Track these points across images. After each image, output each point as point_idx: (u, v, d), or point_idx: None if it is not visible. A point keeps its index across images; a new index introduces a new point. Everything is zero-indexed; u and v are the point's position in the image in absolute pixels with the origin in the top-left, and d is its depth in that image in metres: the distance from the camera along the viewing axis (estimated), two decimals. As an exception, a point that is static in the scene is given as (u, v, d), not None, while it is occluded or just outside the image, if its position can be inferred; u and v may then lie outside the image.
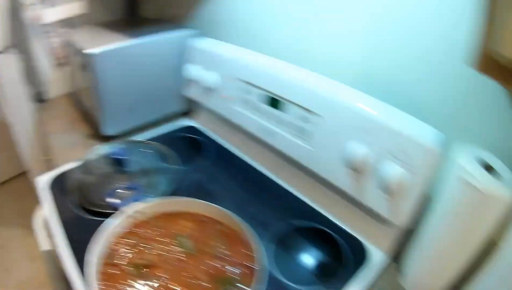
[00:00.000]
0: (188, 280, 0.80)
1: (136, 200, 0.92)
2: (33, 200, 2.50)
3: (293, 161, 1.08)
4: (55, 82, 1.76)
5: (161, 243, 0.87)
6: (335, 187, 0.98)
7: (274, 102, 1.05)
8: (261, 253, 0.80)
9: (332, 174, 0.95)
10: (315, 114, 0.96)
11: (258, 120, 1.11)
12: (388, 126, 0.78)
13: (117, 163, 1.17)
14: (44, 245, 1.01)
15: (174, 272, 0.81)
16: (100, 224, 0.97)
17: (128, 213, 0.89)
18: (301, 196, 1.10)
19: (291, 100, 1.02)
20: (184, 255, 0.85)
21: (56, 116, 1.54)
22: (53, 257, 0.96)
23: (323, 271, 0.90)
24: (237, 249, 0.86)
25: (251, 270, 0.82)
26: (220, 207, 0.90)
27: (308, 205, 1.08)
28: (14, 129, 1.79)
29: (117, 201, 0.92)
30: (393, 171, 0.77)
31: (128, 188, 0.96)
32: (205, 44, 1.31)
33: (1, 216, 2.53)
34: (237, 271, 0.82)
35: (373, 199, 0.87)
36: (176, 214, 0.95)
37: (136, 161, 1.20)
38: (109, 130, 1.33)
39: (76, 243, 0.92)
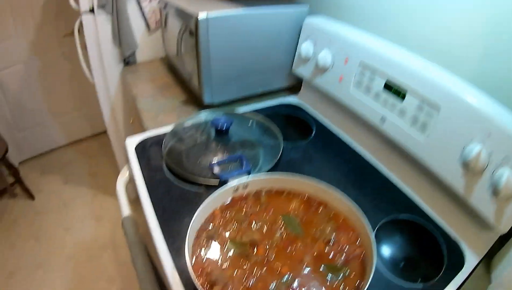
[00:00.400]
0: (294, 262, 0.75)
1: (241, 173, 0.87)
2: (104, 162, 2.59)
3: (402, 151, 1.02)
4: (146, 46, 1.76)
5: (265, 220, 0.83)
6: (441, 184, 0.92)
7: (392, 88, 1.02)
8: (373, 243, 0.73)
9: (443, 170, 0.89)
10: (434, 106, 0.90)
11: (372, 105, 1.06)
12: (510, 132, 0.73)
13: (217, 132, 1.13)
14: (125, 210, 0.99)
15: (279, 253, 0.77)
16: (192, 193, 0.97)
17: (232, 185, 0.85)
18: (405, 188, 1.04)
19: (411, 88, 0.95)
20: (290, 236, 0.80)
21: (145, 80, 1.54)
22: (134, 223, 0.94)
23: (421, 269, 0.85)
24: (346, 235, 0.81)
25: (360, 259, 0.76)
26: (335, 189, 0.84)
27: (411, 199, 1.01)
28: (97, 88, 1.81)
29: (221, 171, 0.88)
30: (507, 176, 0.73)
31: (230, 159, 0.92)
32: (322, 22, 1.26)
33: (70, 174, 2.59)
34: (346, 258, 0.77)
35: (481, 201, 0.81)
36: (280, 191, 0.90)
37: (237, 132, 1.16)
38: (209, 99, 1.30)
39: (162, 211, 0.91)
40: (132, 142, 1.13)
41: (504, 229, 0.79)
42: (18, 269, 1.94)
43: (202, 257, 0.74)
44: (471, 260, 0.85)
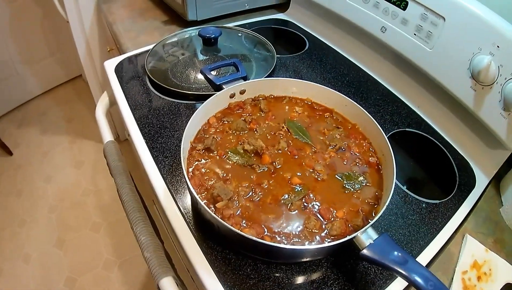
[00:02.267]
0: (304, 171, 0.64)
1: (236, 77, 0.73)
2: (80, 106, 2.41)
3: (405, 63, 0.91)
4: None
5: (268, 128, 0.70)
6: (448, 99, 0.83)
7: None
8: (389, 147, 0.62)
9: (451, 81, 0.79)
10: (438, 15, 0.78)
11: (372, 14, 0.94)
12: None
13: (205, 42, 0.99)
14: (106, 136, 0.86)
15: (287, 161, 0.65)
16: (183, 106, 0.84)
17: (228, 89, 0.71)
18: (409, 102, 0.93)
19: None
20: (297, 143, 0.68)
21: (122, 6, 1.35)
22: (116, 149, 0.81)
23: (433, 185, 0.78)
24: (357, 143, 0.69)
25: (376, 166, 0.65)
26: (342, 94, 0.72)
27: (417, 113, 0.91)
28: (71, 26, 1.63)
29: (215, 76, 0.73)
30: None
31: (224, 65, 0.78)
32: None
33: (47, 124, 2.43)
34: (360, 166, 0.65)
35: (492, 116, 0.72)
36: (280, 98, 0.78)
37: (226, 45, 1.02)
38: (193, 15, 1.15)
39: (149, 127, 0.79)
40: (111, 64, 0.98)
41: None
42: (2, 229, 1.82)
43: (200, 170, 0.62)
44: (482, 179, 0.78)
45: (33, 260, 1.71)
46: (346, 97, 0.72)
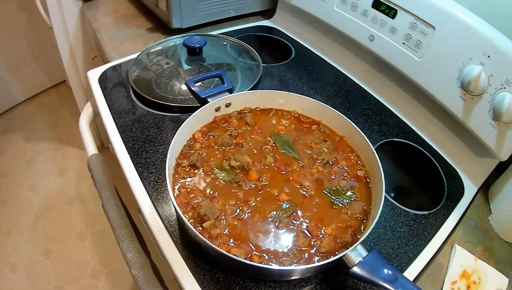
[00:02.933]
0: (292, 187, 0.62)
1: (222, 90, 0.72)
2: (64, 113, 2.35)
3: (393, 72, 0.90)
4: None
5: (254, 142, 0.69)
6: (437, 108, 0.82)
7: (381, 6, 0.86)
8: (378, 161, 0.61)
9: (440, 91, 0.78)
10: (428, 24, 0.77)
11: (360, 23, 0.93)
12: (511, 55, 0.64)
13: (189, 51, 0.97)
14: (90, 149, 0.84)
15: (274, 177, 0.63)
16: (167, 119, 0.82)
17: (214, 103, 0.69)
18: (397, 112, 0.93)
19: (402, 6, 0.81)
20: (283, 158, 0.67)
21: (106, 13, 1.32)
22: (100, 162, 0.79)
23: (422, 195, 0.77)
24: (345, 156, 0.68)
25: (364, 180, 0.64)
26: (329, 107, 0.71)
27: (405, 122, 0.91)
28: (55, 32, 1.59)
29: (200, 89, 0.72)
30: (507, 100, 0.64)
31: (209, 77, 0.76)
32: None
33: (31, 131, 2.37)
34: (348, 180, 0.64)
35: (481, 126, 0.72)
36: (267, 110, 0.76)
37: (211, 54, 1.00)
38: (178, 22, 1.12)
39: (133, 141, 0.77)
40: (94, 74, 0.95)
41: (505, 156, 0.71)
42: (-13, 240, 1.78)
43: (186, 188, 0.60)
44: (470, 188, 0.78)
45: (20, 270, 1.66)
46: (333, 109, 0.71)
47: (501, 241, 0.74)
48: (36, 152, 2.22)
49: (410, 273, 0.62)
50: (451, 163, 0.81)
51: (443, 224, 0.70)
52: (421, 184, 0.79)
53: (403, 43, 0.82)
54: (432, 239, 0.67)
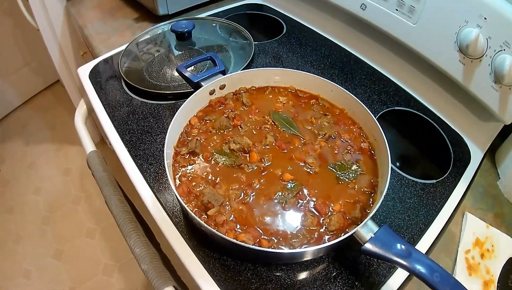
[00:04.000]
0: (295, 165, 0.60)
1: (215, 73, 0.68)
2: (61, 112, 2.32)
3: (388, 40, 0.85)
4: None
5: (252, 122, 0.66)
6: (436, 74, 0.79)
7: None
8: (381, 131, 0.58)
9: (437, 56, 0.74)
10: None
11: None
12: (508, 17, 0.61)
13: (178, 37, 0.93)
14: (88, 147, 0.81)
15: (276, 157, 0.61)
16: (162, 108, 0.79)
17: (207, 86, 0.66)
18: (396, 80, 0.89)
19: None
20: (284, 136, 0.64)
21: (91, 8, 1.28)
22: (100, 158, 0.76)
23: (428, 163, 0.74)
24: (347, 129, 0.65)
25: (368, 152, 0.62)
26: (326, 79, 0.67)
27: (405, 90, 0.87)
28: (42, 34, 1.56)
29: (192, 73, 0.68)
30: (507, 62, 0.61)
31: (200, 60, 0.72)
32: None
33: (30, 134, 2.34)
34: (352, 153, 0.61)
35: (483, 89, 0.68)
36: (262, 88, 0.73)
37: (200, 37, 0.96)
38: (164, 9, 1.08)
39: (130, 134, 0.73)
40: (84, 70, 0.91)
41: (509, 119, 0.67)
42: (-3, 249, 1.77)
43: (187, 177, 0.58)
44: (476, 153, 0.75)
45: (33, 275, 1.65)
46: (330, 81, 0.68)
47: (511, 206, 0.71)
48: (37, 155, 2.19)
49: (423, 244, 0.60)
50: (455, 129, 0.78)
51: (452, 192, 0.67)
52: (427, 152, 0.75)
53: (396, 10, 0.78)
54: (442, 208, 0.65)
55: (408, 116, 0.80)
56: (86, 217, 1.86)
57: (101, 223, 1.82)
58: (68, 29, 1.57)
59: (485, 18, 0.63)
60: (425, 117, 0.80)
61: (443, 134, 0.77)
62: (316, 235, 0.52)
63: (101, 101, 0.82)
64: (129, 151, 0.70)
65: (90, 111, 0.91)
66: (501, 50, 0.62)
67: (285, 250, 0.49)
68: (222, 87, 0.69)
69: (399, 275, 0.55)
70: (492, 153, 0.78)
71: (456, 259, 0.62)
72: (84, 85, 0.87)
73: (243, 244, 0.46)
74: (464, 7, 0.66)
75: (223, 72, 0.70)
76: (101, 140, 1.99)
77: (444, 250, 0.62)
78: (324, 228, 0.52)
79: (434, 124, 0.78)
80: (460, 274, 0.60)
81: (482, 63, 0.66)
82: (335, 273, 0.55)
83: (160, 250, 0.65)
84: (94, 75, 0.89)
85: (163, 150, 0.56)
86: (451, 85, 0.75)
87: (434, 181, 0.68)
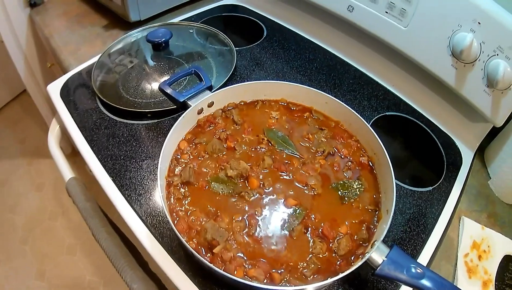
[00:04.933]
0: (297, 189, 0.56)
1: (201, 89, 0.63)
2: (30, 124, 2.18)
3: (377, 43, 0.82)
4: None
5: (246, 143, 0.62)
6: (426, 78, 0.78)
7: None
8: (382, 147, 0.56)
9: (429, 60, 0.72)
10: None
11: None
12: (502, 22, 0.60)
13: (155, 47, 0.86)
14: (66, 173, 0.75)
15: (276, 181, 0.57)
16: (143, 128, 0.73)
17: (195, 105, 0.61)
18: (385, 83, 0.86)
19: None
20: (281, 156, 0.60)
21: (57, 16, 1.18)
22: (80, 186, 0.71)
23: (423, 169, 0.73)
24: (344, 142, 0.63)
25: (368, 167, 0.59)
26: (320, 91, 0.64)
27: (394, 94, 0.85)
28: (7, 45, 1.44)
29: (176, 91, 0.63)
30: (501, 67, 0.60)
31: (183, 75, 0.67)
32: None
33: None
34: (352, 170, 0.59)
35: (476, 93, 0.67)
36: (253, 103, 0.68)
37: (177, 45, 0.90)
38: (136, 15, 1.00)
39: (112, 161, 0.67)
40: (55, 88, 0.83)
41: (500, 122, 0.67)
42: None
43: (184, 211, 0.53)
44: (467, 154, 0.75)
45: (18, 299, 1.55)
46: (324, 93, 0.64)
47: (503, 204, 0.71)
48: (8, 171, 2.05)
49: (426, 254, 0.59)
50: (445, 131, 0.77)
51: (448, 196, 0.66)
52: (419, 156, 0.74)
53: (386, 12, 0.75)
54: (440, 215, 0.64)
55: (399, 121, 0.78)
56: (65, 233, 1.77)
57: (80, 238, 1.74)
58: (33, 40, 1.47)
59: (479, 23, 0.61)
60: (416, 121, 0.78)
61: (434, 136, 0.76)
62: (326, 262, 0.49)
63: (76, 123, 0.74)
64: (114, 180, 0.64)
65: (64, 132, 0.84)
66: (494, 55, 0.61)
67: (298, 287, 0.46)
68: (210, 105, 0.64)
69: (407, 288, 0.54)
70: (481, 153, 0.78)
71: (456, 264, 0.61)
72: (56, 105, 0.80)
73: (258, 285, 0.43)
74: (457, 11, 0.64)
75: (210, 88, 0.65)
76: (73, 151, 1.89)
77: (445, 256, 0.62)
78: (334, 253, 0.50)
79: (425, 127, 0.77)
80: (461, 279, 0.60)
81: (475, 68, 0.65)
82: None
83: (149, 270, 0.61)
84: (65, 93, 0.81)
85: (151, 177, 0.51)
86: (440, 87, 0.74)
87: (430, 188, 0.67)
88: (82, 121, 0.74)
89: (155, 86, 0.78)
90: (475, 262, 0.62)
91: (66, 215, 1.84)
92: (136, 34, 0.93)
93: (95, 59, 0.87)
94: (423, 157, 0.74)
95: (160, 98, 0.76)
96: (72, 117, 0.76)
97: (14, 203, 1.90)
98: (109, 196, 0.62)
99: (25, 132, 2.26)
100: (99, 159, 0.67)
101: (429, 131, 0.76)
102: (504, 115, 0.66)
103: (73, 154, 1.91)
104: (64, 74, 0.87)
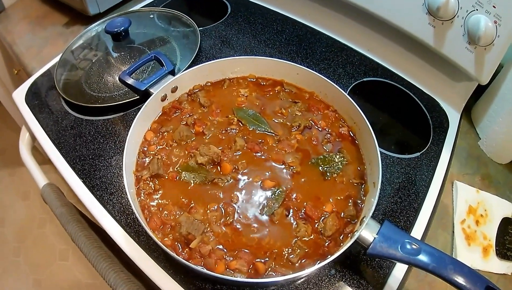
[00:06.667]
0: (274, 169, 0.51)
1: (163, 75, 0.57)
2: (7, 133, 2.08)
3: (346, 8, 0.77)
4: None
5: (216, 125, 0.56)
6: (402, 39, 0.72)
7: None
8: (361, 114, 0.51)
9: (405, 20, 0.67)
10: None
11: None
12: None
13: (115, 38, 0.80)
14: (40, 180, 0.70)
15: (251, 163, 0.51)
16: (109, 123, 0.67)
17: (157, 92, 0.55)
18: (359, 48, 0.80)
19: None
20: (254, 135, 0.55)
21: (18, 21, 1.11)
22: (56, 192, 0.66)
23: (409, 134, 0.68)
24: (321, 113, 0.58)
25: (349, 137, 0.54)
26: (289, 62, 0.58)
27: (371, 59, 0.79)
28: None
29: (137, 81, 0.57)
30: (482, 23, 0.55)
31: (144, 62, 0.61)
32: None
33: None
34: (332, 142, 0.54)
35: (457, 51, 0.62)
36: (219, 83, 0.63)
37: (138, 33, 0.83)
38: (95, 8, 0.92)
39: (81, 162, 0.62)
40: (20, 94, 0.77)
41: (486, 79, 0.62)
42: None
43: (157, 206, 0.48)
44: (454, 115, 0.70)
45: (17, 313, 1.51)
46: (295, 64, 0.59)
47: (496, 164, 0.67)
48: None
49: (420, 224, 0.55)
50: (428, 93, 0.72)
51: (438, 161, 0.62)
52: (403, 122, 0.69)
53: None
54: (432, 181, 0.60)
55: (378, 86, 0.73)
56: (55, 239, 1.72)
57: (70, 242, 1.68)
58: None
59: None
60: (396, 84, 0.73)
61: (417, 100, 0.71)
62: (313, 245, 0.44)
63: (43, 128, 0.69)
64: (84, 182, 0.58)
65: (35, 139, 0.78)
66: (474, 10, 0.56)
67: (284, 277, 0.42)
68: (174, 90, 0.59)
69: (403, 265, 0.50)
70: (467, 113, 0.73)
71: (453, 232, 0.57)
72: (22, 111, 0.74)
73: (242, 280, 0.40)
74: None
75: (173, 72, 0.59)
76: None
77: (441, 225, 0.58)
78: (320, 235, 0.45)
79: (406, 90, 0.72)
80: (460, 247, 0.56)
81: (454, 25, 0.60)
82: (338, 276, 0.48)
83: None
84: (30, 98, 0.75)
85: (121, 173, 0.46)
86: (419, 48, 0.69)
87: (418, 153, 0.62)
88: (49, 125, 0.69)
89: (118, 79, 0.72)
90: (473, 228, 0.58)
91: (54, 220, 1.77)
92: (96, 28, 0.87)
93: (58, 58, 0.81)
94: (407, 122, 0.69)
95: (124, 90, 0.70)
96: (39, 122, 0.70)
97: (2, 216, 1.84)
98: (81, 199, 0.57)
99: (3, 142, 2.18)
100: (67, 161, 0.62)
101: (411, 94, 0.71)
102: (489, 72, 0.61)
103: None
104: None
